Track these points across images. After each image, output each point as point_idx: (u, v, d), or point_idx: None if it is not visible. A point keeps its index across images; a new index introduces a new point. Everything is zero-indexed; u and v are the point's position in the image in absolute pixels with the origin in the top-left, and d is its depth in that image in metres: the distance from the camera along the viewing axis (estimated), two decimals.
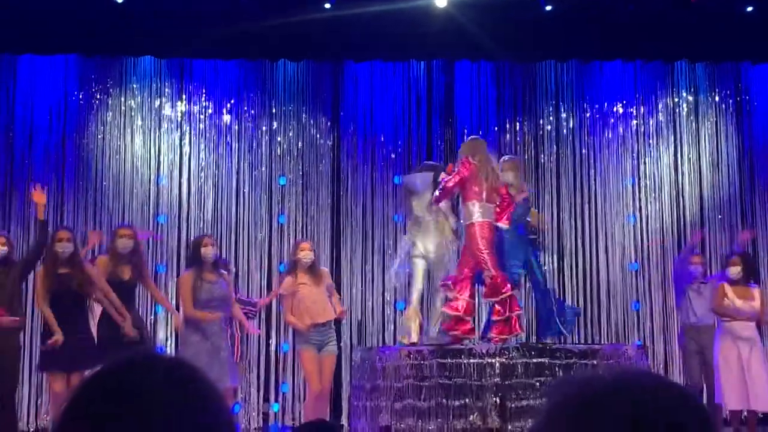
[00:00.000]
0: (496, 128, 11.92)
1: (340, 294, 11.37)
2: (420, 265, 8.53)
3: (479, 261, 8.00)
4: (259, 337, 11.09)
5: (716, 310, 8.91)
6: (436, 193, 8.24)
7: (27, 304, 9.35)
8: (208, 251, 8.27)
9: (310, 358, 8.33)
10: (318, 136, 11.80)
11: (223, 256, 11.14)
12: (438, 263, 8.53)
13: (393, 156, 11.82)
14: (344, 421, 10.31)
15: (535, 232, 8.51)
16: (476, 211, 8.01)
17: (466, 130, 11.80)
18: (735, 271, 8.86)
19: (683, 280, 9.47)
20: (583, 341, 11.13)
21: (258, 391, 11.18)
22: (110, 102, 11.61)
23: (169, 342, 11.06)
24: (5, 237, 8.42)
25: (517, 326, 8.05)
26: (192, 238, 10.98)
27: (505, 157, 8.99)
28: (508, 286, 7.96)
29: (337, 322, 9.09)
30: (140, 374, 1.13)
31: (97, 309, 8.22)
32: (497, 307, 7.97)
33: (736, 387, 8.55)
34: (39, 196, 8.57)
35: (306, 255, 8.46)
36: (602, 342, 11.04)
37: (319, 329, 8.35)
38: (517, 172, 8.52)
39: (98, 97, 11.59)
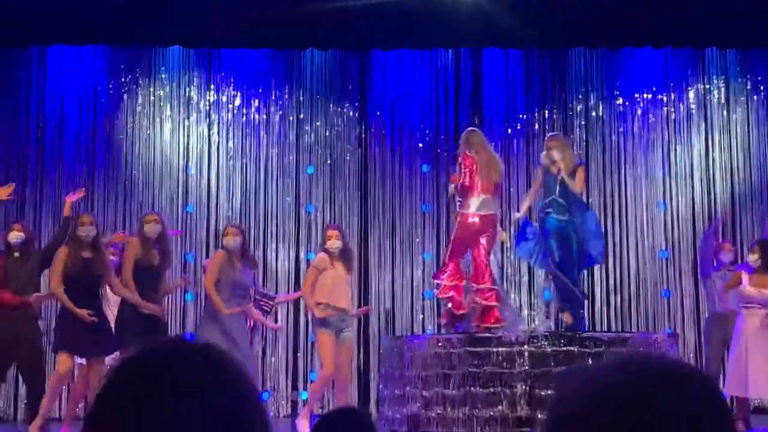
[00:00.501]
0: (524, 116, 11.86)
1: (368, 282, 11.41)
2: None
3: (448, 247, 8.34)
4: (287, 325, 11.13)
5: (720, 296, 8.95)
6: (459, 198, 8.29)
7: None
8: (229, 241, 8.31)
9: (327, 342, 8.34)
10: (346, 125, 11.80)
11: (251, 245, 11.21)
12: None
13: (421, 145, 11.79)
14: (373, 408, 10.33)
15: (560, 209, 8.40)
16: (472, 203, 8.10)
17: (494, 120, 11.76)
18: (752, 258, 8.79)
19: (708, 264, 9.46)
20: (613, 329, 11.08)
21: (286, 379, 11.22)
22: (139, 92, 11.67)
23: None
24: (21, 224, 8.49)
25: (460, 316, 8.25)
26: (220, 227, 11.10)
27: (549, 135, 9.04)
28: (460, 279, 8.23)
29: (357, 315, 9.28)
30: (174, 357, 1.14)
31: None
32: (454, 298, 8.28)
33: (735, 373, 8.47)
34: (74, 196, 8.75)
35: (333, 244, 8.46)
36: (632, 330, 10.98)
37: (339, 314, 8.37)
38: (562, 149, 8.41)
39: (127, 87, 11.65)
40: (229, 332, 8.00)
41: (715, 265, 9.51)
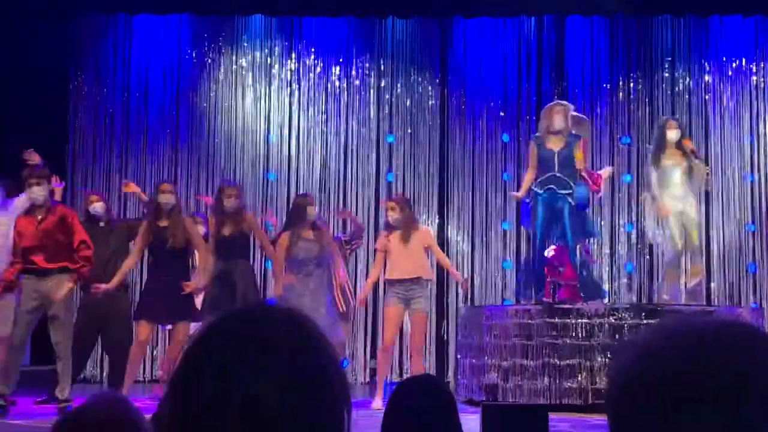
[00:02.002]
0: (608, 86, 11.65)
1: (447, 252, 11.37)
2: None
3: None
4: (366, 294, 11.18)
5: None
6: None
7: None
8: (312, 211, 8.36)
9: (387, 311, 8.42)
10: (426, 93, 11.76)
11: (330, 212, 11.27)
12: None
13: (502, 114, 11.69)
14: (451, 377, 10.34)
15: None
16: None
17: (577, 89, 11.59)
18: None
19: None
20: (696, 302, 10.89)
21: (365, 346, 11.29)
22: (222, 60, 11.79)
23: None
24: (99, 195, 8.61)
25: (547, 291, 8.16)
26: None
27: (555, 103, 8.89)
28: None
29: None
30: (261, 318, 1.16)
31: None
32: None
33: None
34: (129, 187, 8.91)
35: (390, 216, 8.44)
36: (717, 304, 10.78)
37: (402, 285, 8.29)
38: (549, 121, 8.33)
39: (210, 55, 11.78)
40: (309, 300, 8.03)
41: None
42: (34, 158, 8.01)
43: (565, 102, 9.03)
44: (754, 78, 11.59)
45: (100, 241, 8.06)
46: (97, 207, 8.44)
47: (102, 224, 8.39)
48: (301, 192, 11.25)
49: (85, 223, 8.04)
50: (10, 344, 7.29)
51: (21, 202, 7.47)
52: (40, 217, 7.41)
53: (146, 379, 11.01)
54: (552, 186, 8.17)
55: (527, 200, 8.40)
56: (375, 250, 8.89)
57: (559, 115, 8.28)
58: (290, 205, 8.82)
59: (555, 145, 8.21)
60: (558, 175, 8.16)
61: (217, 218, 8.23)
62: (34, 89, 11.14)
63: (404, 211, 8.46)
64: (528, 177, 8.40)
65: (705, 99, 11.61)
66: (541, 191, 8.20)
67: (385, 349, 8.54)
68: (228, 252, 8.19)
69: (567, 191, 8.17)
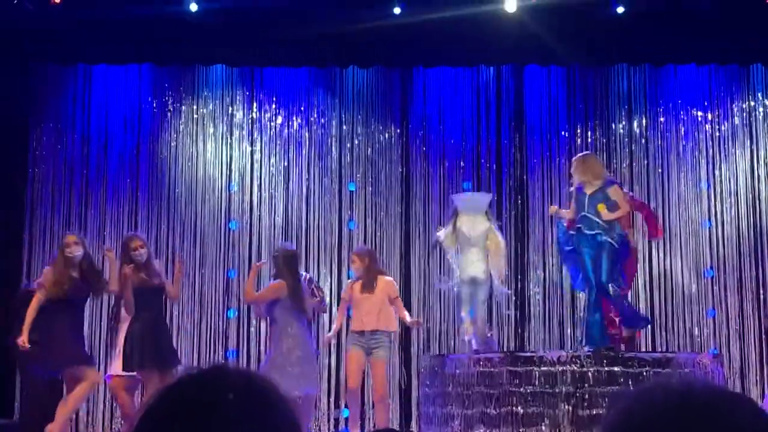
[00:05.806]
0: (565, 134, 11.79)
1: (409, 300, 11.37)
2: None
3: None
4: (330, 343, 11.11)
5: None
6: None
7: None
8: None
9: (351, 357, 8.70)
10: (387, 142, 11.81)
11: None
12: None
13: (462, 162, 11.77)
14: (414, 427, 10.29)
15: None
16: None
17: (535, 137, 11.72)
18: None
19: None
20: (657, 349, 10.95)
21: (328, 396, 11.21)
22: (183, 110, 11.78)
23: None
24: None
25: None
26: (263, 244, 11.16)
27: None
28: None
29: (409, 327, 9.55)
30: (212, 382, 1.15)
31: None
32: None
33: None
34: None
35: (352, 269, 8.93)
36: (677, 350, 10.84)
37: (363, 336, 8.61)
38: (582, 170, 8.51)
39: (171, 105, 11.77)
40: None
41: None
42: None
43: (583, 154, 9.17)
44: (709, 126, 11.78)
45: None
46: None
47: None
48: (267, 240, 11.28)
49: None
50: None
51: None
52: None
53: None
54: (580, 225, 8.34)
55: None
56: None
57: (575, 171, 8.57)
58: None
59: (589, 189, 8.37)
60: (589, 215, 8.24)
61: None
62: None
63: (364, 261, 8.62)
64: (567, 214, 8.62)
65: (661, 146, 11.77)
66: (574, 233, 8.42)
67: (351, 390, 8.77)
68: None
69: (595, 231, 8.28)
